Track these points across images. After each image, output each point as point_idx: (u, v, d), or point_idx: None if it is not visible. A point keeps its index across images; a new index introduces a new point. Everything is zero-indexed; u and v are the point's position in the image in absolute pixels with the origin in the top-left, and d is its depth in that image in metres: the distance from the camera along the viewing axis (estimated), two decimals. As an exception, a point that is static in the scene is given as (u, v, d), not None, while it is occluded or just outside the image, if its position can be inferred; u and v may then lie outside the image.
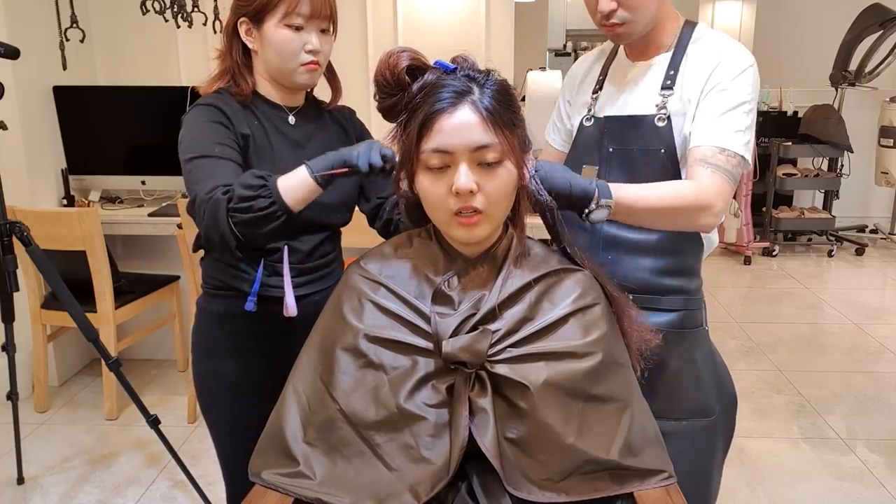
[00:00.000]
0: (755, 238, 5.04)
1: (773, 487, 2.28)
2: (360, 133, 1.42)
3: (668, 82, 1.22)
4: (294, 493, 0.93)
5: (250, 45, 1.26)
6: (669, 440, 1.05)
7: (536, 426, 0.91)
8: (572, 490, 0.92)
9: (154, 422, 2.05)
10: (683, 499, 0.95)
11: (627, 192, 1.09)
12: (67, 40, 3.02)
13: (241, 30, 1.25)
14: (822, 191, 5.42)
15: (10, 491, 2.29)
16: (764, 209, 5.13)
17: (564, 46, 3.87)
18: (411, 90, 0.96)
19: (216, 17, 3.01)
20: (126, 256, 3.13)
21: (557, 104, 1.47)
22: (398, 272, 1.02)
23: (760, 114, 5.04)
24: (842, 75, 5.01)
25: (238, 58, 1.26)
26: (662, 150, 1.22)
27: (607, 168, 1.27)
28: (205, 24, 3.00)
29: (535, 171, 1.01)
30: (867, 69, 4.96)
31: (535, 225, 1.05)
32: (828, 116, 5.02)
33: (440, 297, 0.99)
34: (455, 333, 0.94)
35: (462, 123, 0.91)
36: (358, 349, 0.96)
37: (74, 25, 3.02)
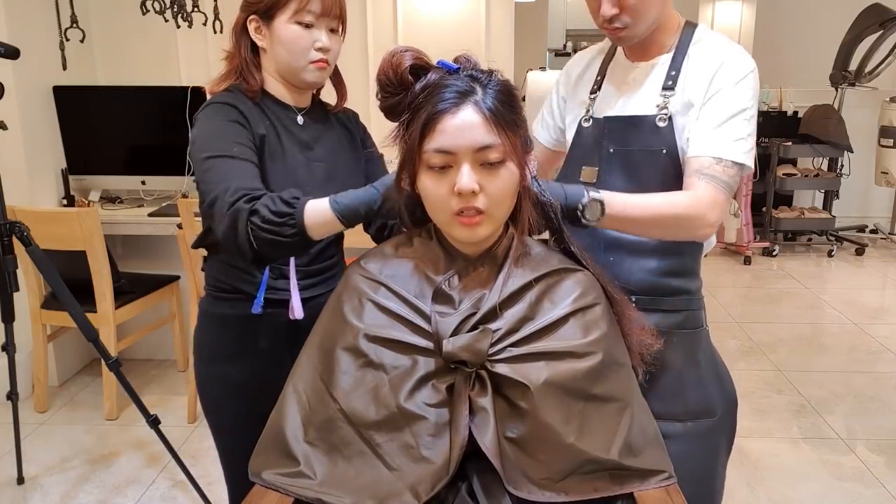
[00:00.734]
0: (755, 238, 5.04)
1: (773, 487, 2.28)
2: (363, 136, 1.42)
3: (670, 83, 1.22)
4: (294, 493, 0.93)
5: (260, 43, 1.26)
6: (674, 442, 1.05)
7: (537, 426, 0.91)
8: (572, 490, 0.92)
9: (154, 422, 2.05)
10: (683, 499, 0.95)
11: (621, 199, 1.09)
12: (67, 40, 3.02)
13: (251, 27, 1.25)
14: (822, 191, 5.42)
15: (10, 491, 2.29)
16: (764, 209, 5.13)
17: (564, 46, 3.88)
18: (414, 90, 0.96)
19: (216, 17, 3.01)
20: (126, 256, 3.13)
21: (549, 99, 1.46)
22: (398, 272, 1.02)
23: (760, 114, 5.04)
24: (842, 75, 5.01)
25: (247, 55, 1.26)
26: (664, 151, 1.21)
27: (607, 169, 1.26)
28: (205, 24, 3.00)
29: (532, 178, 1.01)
30: (867, 69, 4.97)
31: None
32: (828, 116, 5.02)
33: (440, 297, 0.99)
34: (455, 333, 0.94)
35: (465, 123, 0.91)
36: (358, 349, 0.96)
37: (74, 25, 3.02)
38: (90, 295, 2.61)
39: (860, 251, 5.17)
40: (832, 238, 5.32)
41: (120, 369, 2.07)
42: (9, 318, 2.12)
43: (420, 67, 0.97)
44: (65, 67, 3.03)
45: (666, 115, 1.21)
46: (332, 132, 1.36)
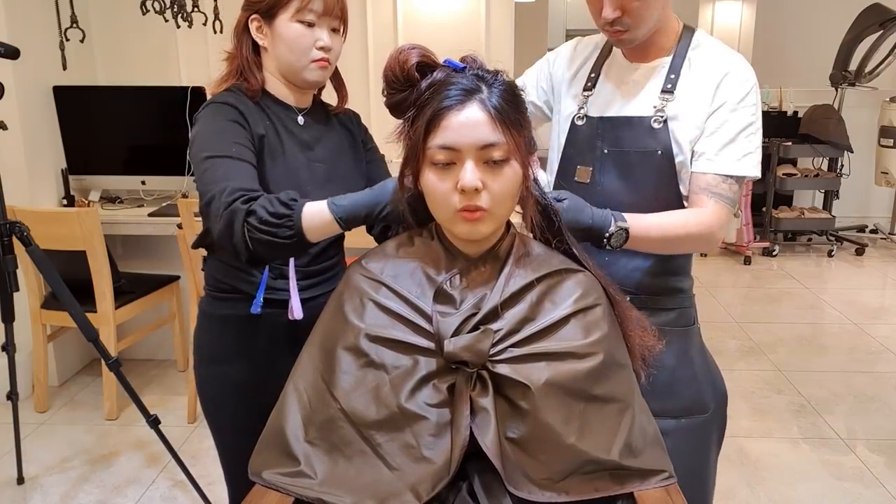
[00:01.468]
0: (755, 238, 5.05)
1: (773, 487, 2.28)
2: (365, 138, 1.42)
3: (669, 86, 1.23)
4: (295, 493, 0.92)
5: (261, 42, 1.26)
6: (668, 438, 1.06)
7: (537, 426, 0.91)
8: (573, 490, 0.92)
9: (154, 422, 2.05)
10: (683, 499, 0.95)
11: (642, 225, 1.15)
12: (67, 40, 3.02)
13: (252, 27, 1.25)
14: (822, 191, 5.43)
15: (10, 491, 2.29)
16: (764, 209, 5.13)
17: (564, 46, 3.87)
18: (420, 87, 0.97)
19: (216, 17, 3.00)
20: (126, 256, 3.13)
21: (537, 70, 1.43)
22: (400, 271, 1.02)
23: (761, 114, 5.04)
24: (842, 75, 5.01)
25: (248, 55, 1.27)
26: (659, 152, 1.22)
27: (601, 169, 1.27)
28: (205, 24, 3.00)
29: (558, 201, 1.06)
30: (867, 69, 4.97)
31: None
32: (828, 116, 5.02)
33: (442, 297, 0.99)
34: (457, 333, 0.94)
35: (470, 121, 0.92)
36: (359, 348, 0.96)
37: (74, 25, 3.02)
38: (90, 295, 2.61)
39: (860, 251, 5.18)
40: (832, 238, 5.32)
41: (120, 369, 2.07)
42: (9, 318, 2.12)
43: (427, 65, 0.98)
44: (65, 67, 3.03)
45: (662, 117, 1.22)
46: (333, 133, 1.36)
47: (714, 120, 1.21)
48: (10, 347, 2.19)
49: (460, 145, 0.92)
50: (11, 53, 1.92)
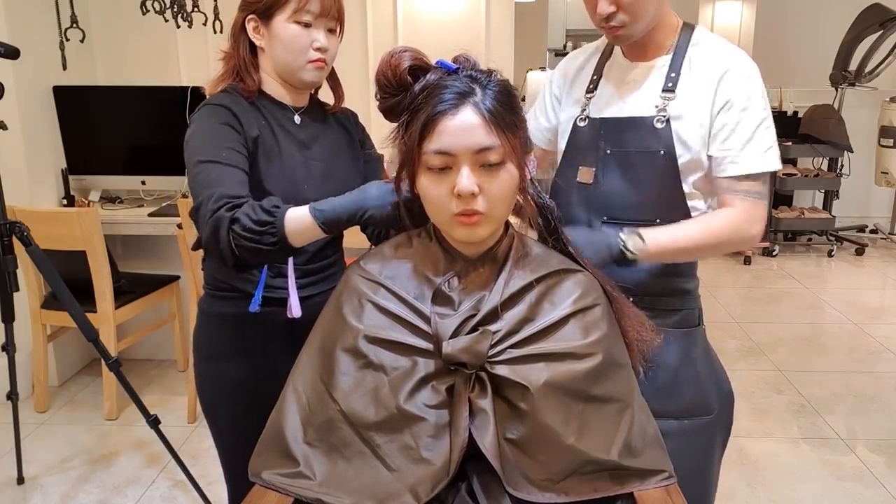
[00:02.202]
0: (755, 238, 5.04)
1: (773, 487, 2.28)
2: (362, 137, 1.43)
3: (670, 85, 1.22)
4: (294, 494, 0.93)
5: (258, 43, 1.26)
6: (671, 440, 1.06)
7: (536, 427, 0.91)
8: (572, 490, 0.92)
9: (154, 422, 2.05)
10: (683, 499, 0.95)
11: (663, 238, 1.16)
12: (67, 40, 3.02)
13: (249, 27, 1.25)
14: (822, 191, 5.42)
15: (10, 491, 2.29)
16: (764, 209, 5.12)
17: (564, 46, 3.87)
18: (413, 90, 0.96)
19: (216, 17, 3.01)
20: (126, 256, 3.13)
21: (542, 99, 1.45)
22: (398, 273, 1.02)
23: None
24: (842, 75, 5.01)
25: (245, 55, 1.27)
26: (661, 152, 1.22)
27: (604, 169, 1.27)
28: (205, 24, 3.00)
29: (566, 236, 1.07)
30: (867, 69, 4.96)
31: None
32: (828, 116, 5.02)
33: (440, 298, 0.99)
34: (455, 334, 0.94)
35: (464, 125, 0.91)
36: (358, 350, 0.96)
37: (74, 25, 3.02)
38: (90, 295, 2.61)
39: (860, 251, 5.17)
40: (832, 238, 5.32)
41: (120, 369, 2.07)
42: (9, 318, 2.12)
43: (419, 68, 0.97)
44: (65, 67, 3.03)
45: (664, 116, 1.21)
46: (330, 132, 1.36)
47: (725, 120, 1.20)
48: (10, 347, 2.20)
49: (455, 150, 0.91)
50: (11, 53, 1.92)
